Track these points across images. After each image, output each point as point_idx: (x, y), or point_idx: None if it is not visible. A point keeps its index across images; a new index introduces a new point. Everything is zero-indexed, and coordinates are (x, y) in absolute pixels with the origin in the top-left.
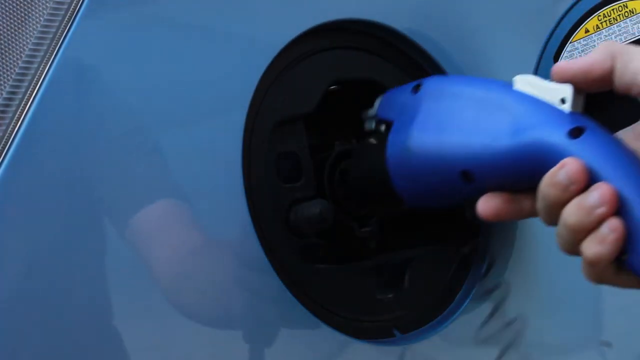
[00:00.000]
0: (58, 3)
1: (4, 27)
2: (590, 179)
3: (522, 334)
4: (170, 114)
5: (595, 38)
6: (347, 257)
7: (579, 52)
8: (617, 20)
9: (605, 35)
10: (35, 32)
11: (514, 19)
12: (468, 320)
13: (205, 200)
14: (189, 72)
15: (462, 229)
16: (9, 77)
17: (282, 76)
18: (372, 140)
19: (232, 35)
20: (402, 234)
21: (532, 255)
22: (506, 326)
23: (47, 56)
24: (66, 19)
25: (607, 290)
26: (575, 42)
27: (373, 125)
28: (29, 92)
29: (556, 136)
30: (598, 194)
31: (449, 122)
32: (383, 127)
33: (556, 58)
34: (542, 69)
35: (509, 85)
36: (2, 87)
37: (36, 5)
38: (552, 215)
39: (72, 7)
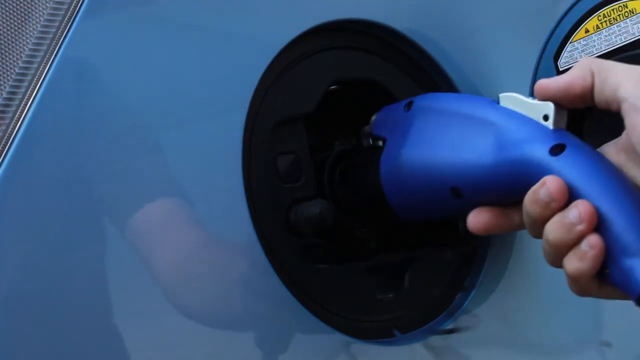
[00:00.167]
0: (58, 3)
1: (4, 27)
2: (570, 196)
3: (522, 333)
4: (170, 114)
5: (595, 38)
6: (347, 257)
7: (579, 52)
8: (617, 20)
9: (605, 35)
10: (35, 32)
11: (514, 19)
12: (468, 320)
13: (205, 200)
14: (189, 72)
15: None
16: (9, 77)
17: (282, 76)
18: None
19: (232, 35)
20: (402, 234)
21: (532, 255)
22: (506, 326)
23: (47, 56)
24: (66, 19)
25: None
26: (575, 42)
27: (370, 141)
28: (29, 92)
29: (538, 153)
30: (577, 211)
31: (438, 139)
32: (380, 143)
33: (556, 58)
34: (542, 69)
35: (494, 102)
36: (2, 87)
37: (36, 5)
38: (537, 230)
39: (72, 7)
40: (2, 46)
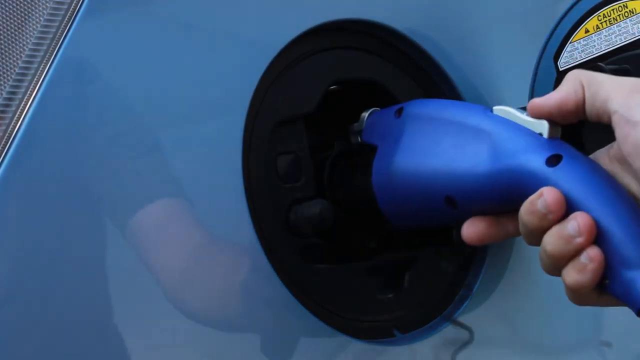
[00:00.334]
0: (58, 3)
1: (4, 27)
2: (568, 207)
3: (522, 333)
4: (170, 114)
5: (595, 38)
6: (347, 257)
7: (579, 52)
8: (617, 20)
9: (605, 35)
10: (35, 32)
11: (514, 19)
12: (468, 320)
13: (205, 200)
14: (189, 72)
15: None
16: (9, 77)
17: (282, 76)
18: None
19: (232, 35)
20: (402, 235)
21: (532, 255)
22: (506, 326)
23: (47, 56)
24: (66, 19)
25: None
26: (575, 42)
27: (358, 139)
28: (29, 92)
29: (535, 163)
30: (576, 224)
31: (431, 148)
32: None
33: (556, 58)
34: (542, 69)
35: (487, 109)
36: (2, 87)
37: (36, 5)
38: (534, 239)
39: (72, 7)
40: (2, 46)
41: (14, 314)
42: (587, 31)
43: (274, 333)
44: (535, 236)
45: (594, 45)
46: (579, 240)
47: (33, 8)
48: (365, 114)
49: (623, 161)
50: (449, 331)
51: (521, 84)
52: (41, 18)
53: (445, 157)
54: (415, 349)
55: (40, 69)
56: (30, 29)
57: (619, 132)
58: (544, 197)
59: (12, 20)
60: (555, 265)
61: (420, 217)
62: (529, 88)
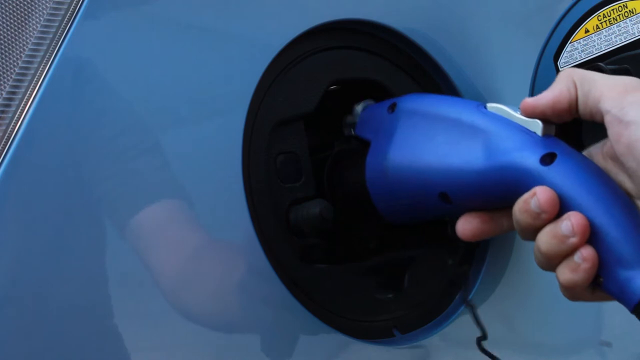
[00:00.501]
0: (58, 3)
1: (4, 27)
2: (563, 206)
3: (522, 333)
4: (170, 114)
5: (595, 38)
6: (347, 257)
7: (579, 52)
8: (617, 20)
9: (605, 35)
10: (35, 32)
11: (514, 19)
12: (468, 320)
13: (205, 200)
14: (189, 72)
15: None
16: (9, 77)
17: (282, 76)
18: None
19: (232, 35)
20: (402, 234)
21: (532, 255)
22: (506, 326)
23: (47, 56)
24: (66, 19)
25: None
26: (575, 42)
27: (351, 131)
28: (29, 92)
29: (529, 161)
30: (570, 224)
31: (425, 144)
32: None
33: (556, 58)
34: (542, 69)
35: (482, 105)
36: (2, 87)
37: (36, 5)
38: (528, 236)
39: (72, 7)
40: (2, 46)
41: (14, 314)
42: (587, 31)
43: (274, 333)
44: (529, 234)
45: (594, 45)
46: (573, 240)
47: (33, 8)
48: (359, 107)
49: (616, 159)
50: (449, 331)
51: (521, 84)
52: (41, 18)
53: (439, 154)
54: (415, 349)
55: (40, 69)
56: (30, 29)
57: (611, 131)
58: (537, 197)
59: (12, 20)
60: (550, 263)
61: (414, 212)
62: (529, 88)
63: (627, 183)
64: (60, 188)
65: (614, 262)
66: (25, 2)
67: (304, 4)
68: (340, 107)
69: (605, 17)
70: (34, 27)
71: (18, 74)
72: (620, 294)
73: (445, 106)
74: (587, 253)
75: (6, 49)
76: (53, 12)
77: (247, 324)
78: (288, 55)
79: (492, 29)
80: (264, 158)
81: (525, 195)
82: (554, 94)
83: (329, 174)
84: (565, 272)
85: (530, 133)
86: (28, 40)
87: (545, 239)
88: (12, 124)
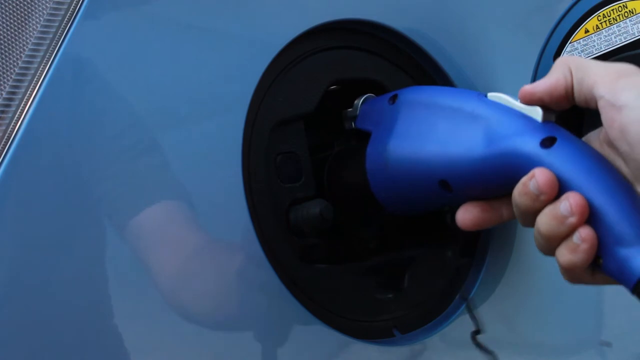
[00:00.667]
0: (58, 3)
1: (4, 27)
2: (561, 188)
3: (522, 334)
4: (171, 114)
5: (595, 38)
6: (347, 257)
7: (578, 52)
8: (617, 20)
9: (605, 35)
10: (35, 32)
11: (514, 19)
12: (468, 320)
13: (205, 200)
14: (189, 72)
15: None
16: (9, 77)
17: (282, 76)
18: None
19: (232, 35)
20: (402, 234)
21: (532, 255)
22: (506, 326)
23: (47, 56)
24: (66, 19)
25: (607, 290)
26: (575, 42)
27: (352, 125)
28: (29, 92)
29: (529, 146)
30: (568, 204)
31: (426, 133)
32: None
33: (556, 58)
34: (542, 69)
35: (482, 95)
36: (2, 87)
37: (36, 5)
38: (528, 220)
39: (72, 7)
40: (2, 46)
41: (14, 314)
42: (587, 31)
43: (274, 333)
44: (529, 217)
45: (594, 45)
46: (572, 220)
47: (33, 8)
48: (359, 101)
49: (611, 144)
50: (449, 331)
51: (521, 84)
52: (41, 18)
53: (439, 142)
54: (415, 349)
55: (40, 68)
56: (30, 29)
57: (604, 116)
58: (536, 178)
59: (12, 20)
60: (549, 245)
61: (414, 202)
62: None
63: (623, 168)
64: (60, 188)
65: (613, 242)
66: (25, 2)
67: (304, 4)
68: (341, 107)
69: (605, 17)
70: (34, 27)
71: (18, 73)
72: (619, 274)
73: (447, 96)
74: (585, 233)
75: (6, 49)
76: (53, 12)
77: (247, 324)
78: (288, 55)
79: (492, 29)
80: (264, 158)
81: (524, 178)
82: (550, 81)
83: (329, 173)
84: (565, 254)
85: (530, 119)
86: (28, 40)
87: (545, 220)
88: (12, 124)
